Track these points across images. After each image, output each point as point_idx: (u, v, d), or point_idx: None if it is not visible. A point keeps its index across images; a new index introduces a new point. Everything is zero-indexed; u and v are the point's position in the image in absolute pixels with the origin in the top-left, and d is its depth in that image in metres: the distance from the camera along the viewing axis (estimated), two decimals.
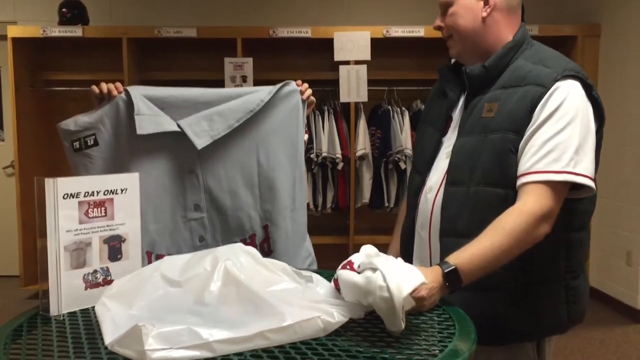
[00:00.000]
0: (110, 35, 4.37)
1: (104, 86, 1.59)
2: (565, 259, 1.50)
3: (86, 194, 1.29)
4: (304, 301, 1.15)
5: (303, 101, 1.70)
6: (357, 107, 4.48)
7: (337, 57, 4.32)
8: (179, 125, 1.59)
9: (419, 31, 4.34)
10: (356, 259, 1.25)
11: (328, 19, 4.78)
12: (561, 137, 1.38)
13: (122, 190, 1.35)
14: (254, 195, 1.67)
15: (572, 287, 1.52)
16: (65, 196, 1.25)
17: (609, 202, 4.36)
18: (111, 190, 1.33)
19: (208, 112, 1.61)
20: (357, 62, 4.33)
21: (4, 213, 4.97)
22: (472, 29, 1.55)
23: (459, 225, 1.47)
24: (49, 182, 1.23)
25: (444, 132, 1.62)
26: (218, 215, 1.67)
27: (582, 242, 1.54)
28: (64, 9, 4.49)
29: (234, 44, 4.36)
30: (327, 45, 4.34)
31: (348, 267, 1.23)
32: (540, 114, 1.40)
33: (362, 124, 4.48)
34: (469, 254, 1.32)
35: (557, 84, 1.41)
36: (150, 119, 1.56)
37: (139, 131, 1.54)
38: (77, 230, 1.28)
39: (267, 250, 1.68)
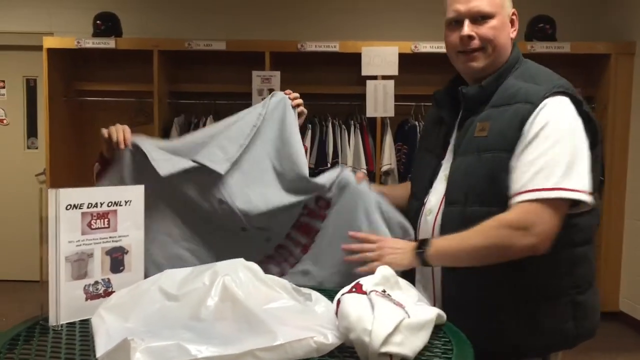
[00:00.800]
0: (141, 47, 4.44)
1: (114, 135, 1.53)
2: (570, 275, 1.48)
3: (90, 205, 1.30)
4: (299, 321, 1.13)
5: (293, 107, 1.75)
6: (383, 122, 4.45)
7: (365, 71, 4.31)
8: (194, 161, 1.61)
9: None
10: (365, 281, 1.22)
11: (356, 34, 4.77)
12: (550, 155, 1.37)
13: (126, 202, 1.36)
14: (283, 198, 1.68)
15: (578, 303, 1.49)
16: (69, 207, 1.27)
17: None
18: (115, 202, 1.34)
19: (216, 142, 1.67)
20: (385, 77, 4.31)
21: (36, 219, 5.07)
22: (507, 46, 1.55)
23: None
24: (51, 193, 1.24)
25: (442, 157, 1.60)
26: (261, 232, 1.70)
27: (586, 257, 1.51)
28: (98, 21, 4.59)
29: (262, 58, 4.39)
30: (354, 59, 4.33)
31: (355, 289, 1.20)
32: (529, 132, 1.40)
33: (388, 139, 4.45)
34: (445, 237, 1.45)
35: (546, 100, 1.41)
36: (166, 162, 1.57)
37: (162, 172, 1.53)
38: (79, 241, 1.29)
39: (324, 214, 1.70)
